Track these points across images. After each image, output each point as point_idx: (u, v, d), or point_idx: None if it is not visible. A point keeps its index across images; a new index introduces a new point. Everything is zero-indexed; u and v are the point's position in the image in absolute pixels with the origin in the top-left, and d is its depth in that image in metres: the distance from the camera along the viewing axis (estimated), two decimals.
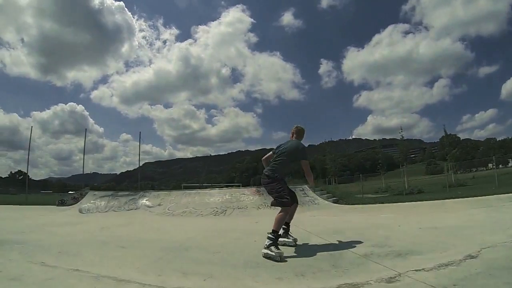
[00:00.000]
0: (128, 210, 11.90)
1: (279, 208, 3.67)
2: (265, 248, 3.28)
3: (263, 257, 3.25)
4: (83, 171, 22.58)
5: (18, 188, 43.12)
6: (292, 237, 3.96)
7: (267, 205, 9.65)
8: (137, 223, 8.21)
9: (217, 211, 10.30)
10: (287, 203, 3.59)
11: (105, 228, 7.09)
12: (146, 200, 12.30)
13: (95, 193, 13.34)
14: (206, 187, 15.95)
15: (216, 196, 12.14)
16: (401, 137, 20.43)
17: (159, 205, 11.68)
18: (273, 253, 3.18)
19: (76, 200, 18.69)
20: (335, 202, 12.00)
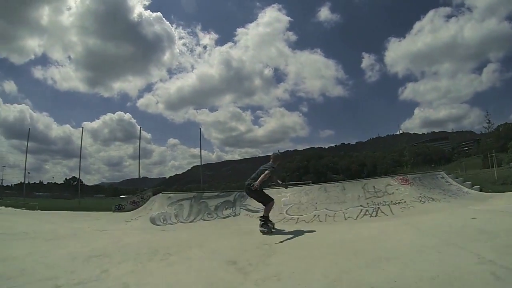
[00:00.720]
0: (224, 217, 8.01)
1: None
2: (260, 227, 5.40)
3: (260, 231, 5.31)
4: (138, 175, 19.83)
5: (73, 193, 43.99)
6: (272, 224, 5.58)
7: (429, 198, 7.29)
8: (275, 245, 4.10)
9: (366, 210, 6.84)
10: (270, 199, 5.72)
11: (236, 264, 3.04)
12: (247, 202, 8.17)
13: (170, 195, 9.47)
14: (294, 184, 10.73)
15: (349, 190, 7.79)
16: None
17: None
18: (265, 229, 5.30)
19: (136, 205, 15.58)
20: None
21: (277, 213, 6.97)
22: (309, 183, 15.03)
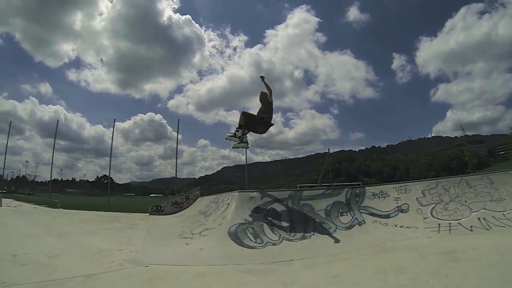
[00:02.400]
0: (346, 228, 5.17)
1: None
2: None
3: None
4: (175, 175, 16.45)
5: (103, 191, 44.61)
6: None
7: None
8: None
9: None
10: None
11: None
12: (365, 202, 5.71)
13: (252, 195, 5.54)
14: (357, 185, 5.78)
15: (500, 184, 5.30)
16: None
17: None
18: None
19: (178, 207, 11.94)
20: None
21: (414, 217, 5.16)
22: (358, 184, 11.63)
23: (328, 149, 21.63)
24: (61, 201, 17.23)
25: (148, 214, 11.49)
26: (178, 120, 17.90)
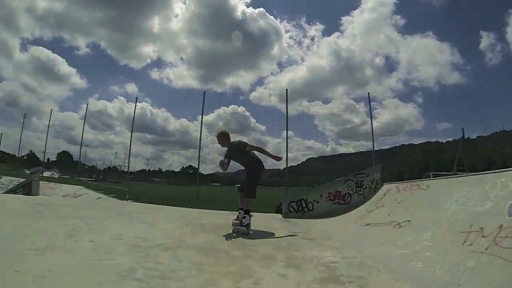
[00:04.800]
0: None
1: None
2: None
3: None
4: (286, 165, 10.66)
5: (189, 180, 45.17)
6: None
7: None
8: None
9: None
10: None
11: None
12: None
13: None
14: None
15: None
16: None
17: None
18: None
19: (342, 201, 5.79)
20: None
21: None
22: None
23: (463, 133, 17.43)
24: (139, 191, 13.13)
25: (280, 215, 5.79)
26: (286, 90, 12.71)
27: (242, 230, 3.65)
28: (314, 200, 5.94)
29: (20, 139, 22.95)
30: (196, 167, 15.46)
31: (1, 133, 22.27)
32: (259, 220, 4.60)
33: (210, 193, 17.77)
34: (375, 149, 13.25)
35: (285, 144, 13.63)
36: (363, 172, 6.18)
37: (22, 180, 10.07)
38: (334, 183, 6.27)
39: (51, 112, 22.47)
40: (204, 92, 15.38)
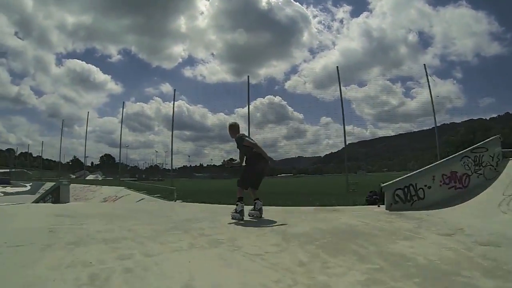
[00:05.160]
0: None
1: None
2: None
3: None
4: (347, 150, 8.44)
5: (232, 173, 46.82)
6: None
7: None
8: None
9: None
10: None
11: None
12: None
13: None
14: None
15: None
16: None
17: None
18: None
19: (460, 185, 3.54)
20: None
21: None
22: None
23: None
24: (184, 188, 11.88)
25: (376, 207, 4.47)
26: (337, 67, 10.84)
27: (255, 214, 4.05)
28: (425, 186, 4.45)
29: (61, 145, 23.15)
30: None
31: (42, 141, 22.64)
32: (370, 218, 2.70)
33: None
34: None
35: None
36: (481, 146, 4.79)
37: (53, 185, 9.11)
38: (447, 161, 4.79)
39: (87, 116, 22.44)
40: (248, 78, 13.41)
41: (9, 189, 17.03)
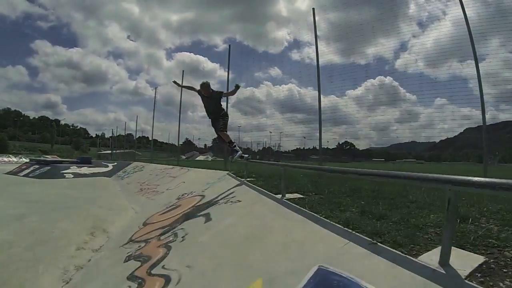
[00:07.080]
0: None
1: None
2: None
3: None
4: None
5: (348, 157, 48.34)
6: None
7: None
8: None
9: None
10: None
11: None
12: None
13: None
14: None
15: None
16: None
17: None
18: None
19: None
20: None
21: None
22: None
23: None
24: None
25: None
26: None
27: (238, 154, 5.30)
28: None
29: (179, 128, 24.02)
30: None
31: (153, 123, 23.63)
32: None
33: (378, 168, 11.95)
34: None
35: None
36: None
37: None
38: None
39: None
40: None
41: (84, 170, 16.06)
